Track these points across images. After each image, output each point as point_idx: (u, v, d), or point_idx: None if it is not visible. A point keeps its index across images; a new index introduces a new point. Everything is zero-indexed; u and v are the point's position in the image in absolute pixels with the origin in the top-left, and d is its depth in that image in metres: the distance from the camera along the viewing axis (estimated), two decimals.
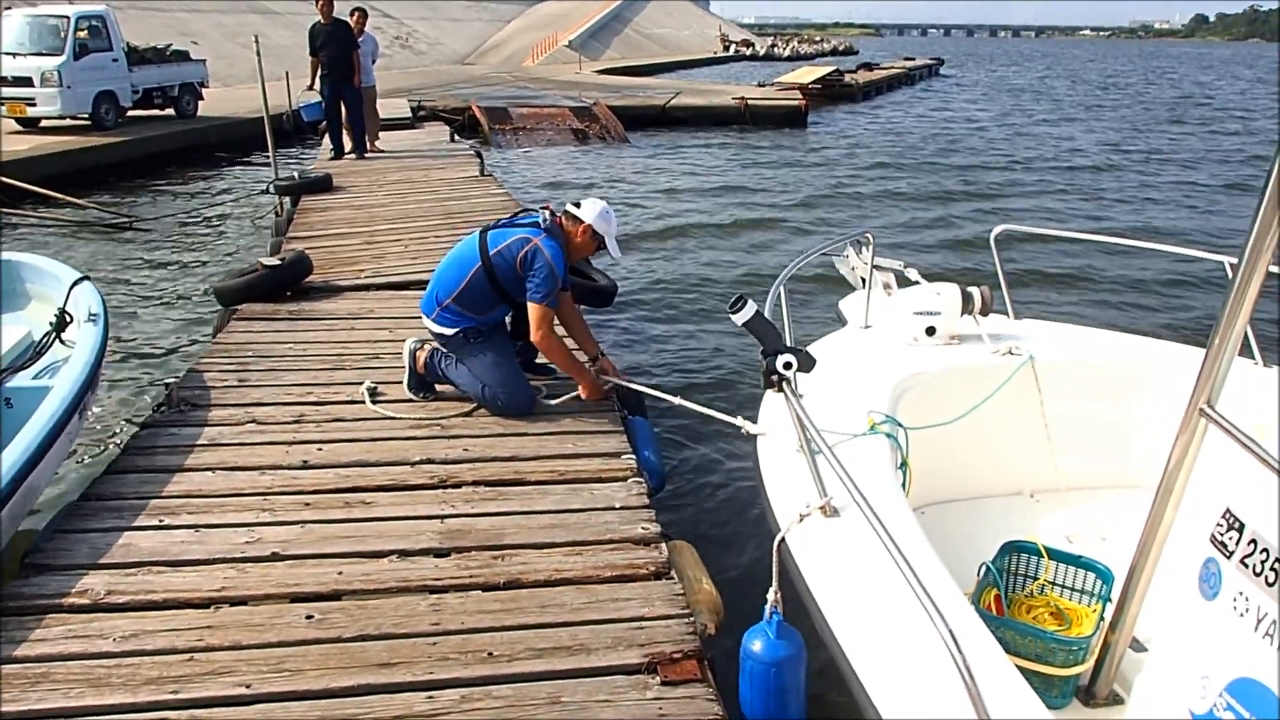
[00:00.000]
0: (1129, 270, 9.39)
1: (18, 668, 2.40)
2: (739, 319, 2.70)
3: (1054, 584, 2.87)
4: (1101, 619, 2.62)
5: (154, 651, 2.47)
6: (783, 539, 2.36)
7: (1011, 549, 2.89)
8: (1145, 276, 9.23)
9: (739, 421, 3.22)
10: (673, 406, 3.96)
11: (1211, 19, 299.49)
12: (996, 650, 1.92)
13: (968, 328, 3.76)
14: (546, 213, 4.09)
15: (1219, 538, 2.41)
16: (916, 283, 4.19)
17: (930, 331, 3.70)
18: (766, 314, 3.00)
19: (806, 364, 2.68)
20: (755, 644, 2.24)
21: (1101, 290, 8.89)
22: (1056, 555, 2.86)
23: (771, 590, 2.24)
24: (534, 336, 3.96)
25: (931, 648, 1.78)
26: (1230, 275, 3.45)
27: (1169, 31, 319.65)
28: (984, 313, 3.77)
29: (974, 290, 3.77)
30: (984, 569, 2.79)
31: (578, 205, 4.09)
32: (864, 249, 4.23)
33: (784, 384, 2.65)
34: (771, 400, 3.08)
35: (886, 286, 4.22)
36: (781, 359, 2.64)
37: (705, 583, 2.82)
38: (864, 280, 4.19)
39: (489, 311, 4.07)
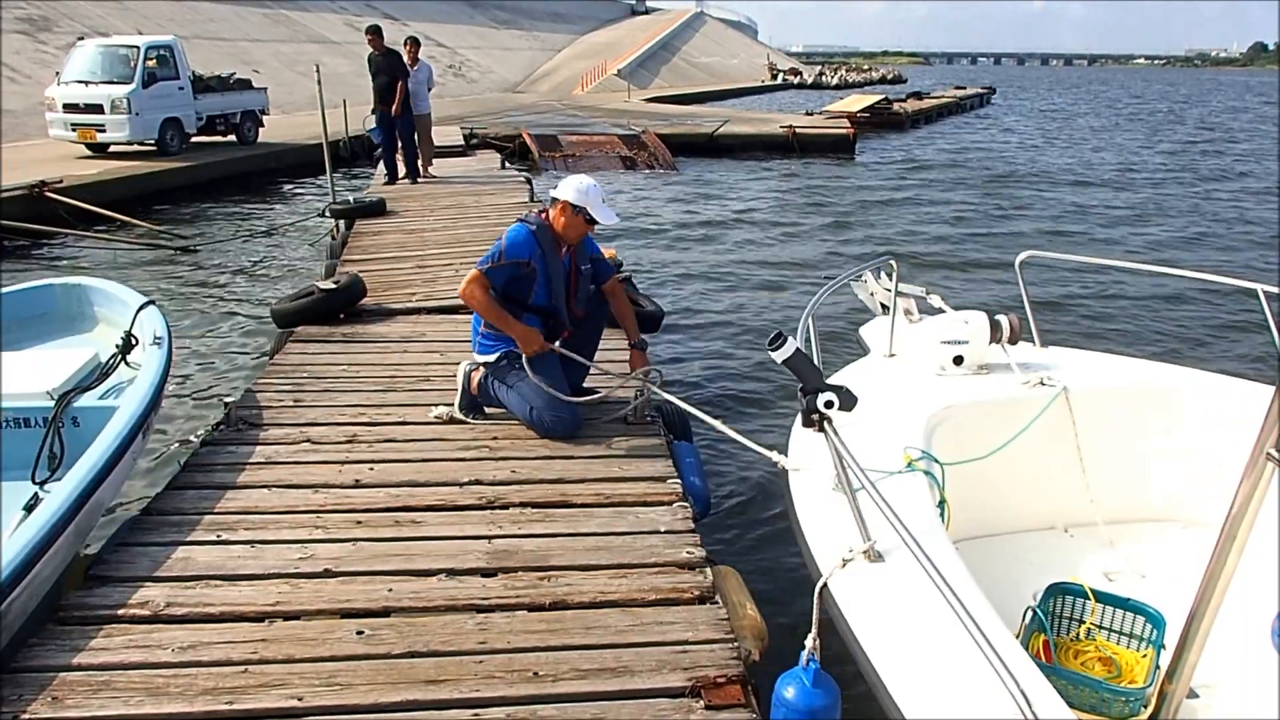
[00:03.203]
0: (1155, 296, 9.26)
1: (81, 675, 2.47)
2: (779, 356, 2.62)
3: (1101, 627, 2.79)
4: (1157, 667, 2.54)
5: (210, 663, 2.53)
6: (824, 584, 2.30)
7: (1057, 591, 2.81)
8: (1172, 303, 9.09)
9: (773, 456, 3.15)
10: (715, 431, 3.95)
11: (1271, 47, 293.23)
12: (1058, 701, 1.86)
13: (995, 356, 3.70)
14: (536, 212, 4.24)
15: None
16: (940, 309, 4.13)
17: (958, 361, 3.64)
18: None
19: (848, 403, 2.60)
20: (789, 691, 2.17)
21: (1126, 316, 8.77)
22: (1104, 598, 2.79)
23: (810, 637, 2.18)
24: (460, 291, 4.10)
25: (989, 698, 1.73)
26: (1263, 303, 3.39)
27: (1227, 60, 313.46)
28: (1012, 341, 3.71)
29: (1002, 318, 3.71)
30: (1030, 613, 2.72)
31: (555, 188, 4.18)
32: (882, 275, 4.18)
33: (825, 423, 2.58)
34: (802, 433, 3.01)
35: (908, 313, 4.15)
36: (823, 397, 2.56)
37: (749, 608, 2.81)
38: (884, 306, 4.13)
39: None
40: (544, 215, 4.18)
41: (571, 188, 4.09)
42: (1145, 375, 3.78)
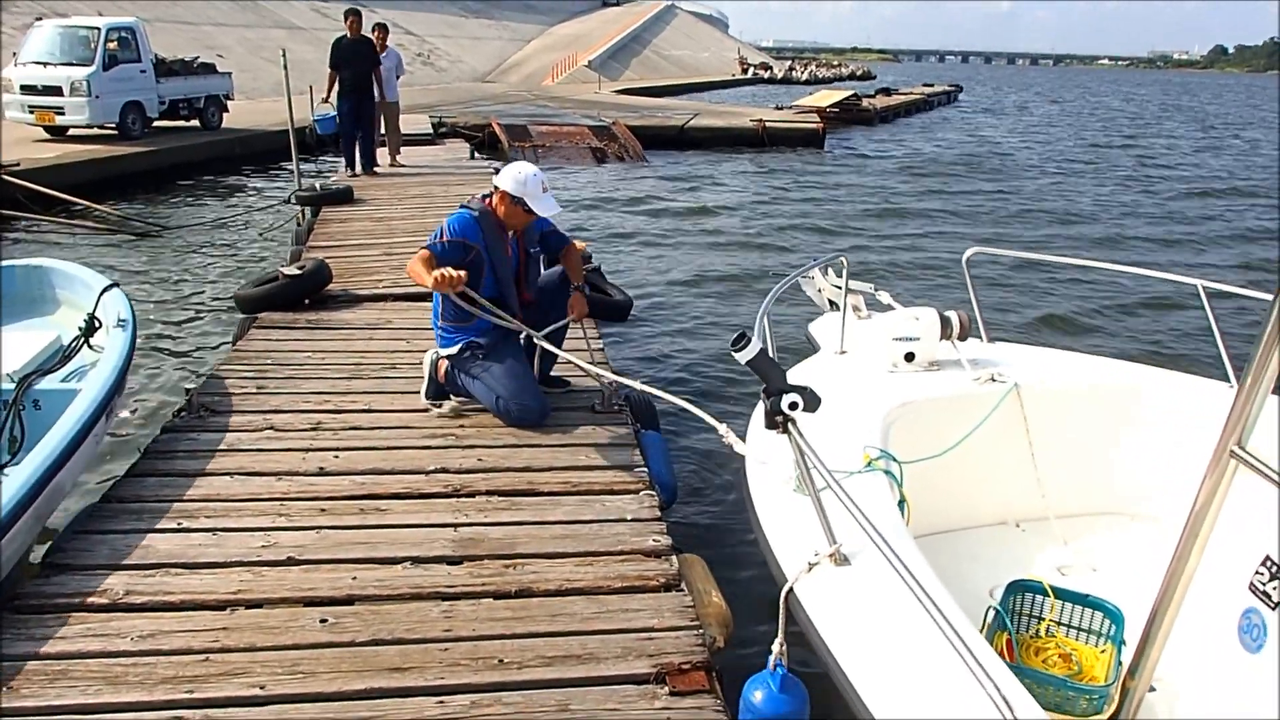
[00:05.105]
0: (1099, 292, 9.41)
1: (38, 664, 2.43)
2: (743, 357, 2.54)
3: (1060, 624, 2.80)
4: (1119, 663, 2.56)
5: (170, 651, 2.50)
6: (790, 589, 2.27)
7: (1017, 589, 2.83)
8: (1117, 299, 9.22)
9: (722, 430, 3.02)
10: (680, 414, 3.91)
11: (1231, 50, 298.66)
12: (1030, 701, 1.85)
13: (946, 353, 3.72)
14: (480, 196, 4.19)
15: (1261, 587, 2.34)
16: (889, 305, 4.14)
17: (910, 357, 3.66)
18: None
19: (812, 404, 2.51)
20: (757, 695, 2.13)
21: (1071, 312, 8.88)
22: (1063, 595, 2.80)
23: (777, 642, 2.14)
24: (408, 267, 3.99)
25: (963, 700, 1.73)
26: (1203, 297, 3.45)
27: (1188, 62, 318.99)
28: (962, 337, 3.73)
29: (952, 314, 3.74)
30: (991, 611, 2.74)
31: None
32: (830, 271, 4.18)
33: (789, 425, 2.49)
34: (759, 433, 2.97)
35: (856, 309, 4.16)
36: (787, 399, 2.47)
37: (715, 596, 2.83)
38: (832, 303, 4.13)
39: (472, 318, 4.07)
40: (487, 201, 4.13)
41: (510, 177, 4.02)
42: (1093, 370, 3.83)
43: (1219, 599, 2.46)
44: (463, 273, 3.78)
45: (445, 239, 3.99)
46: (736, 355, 2.56)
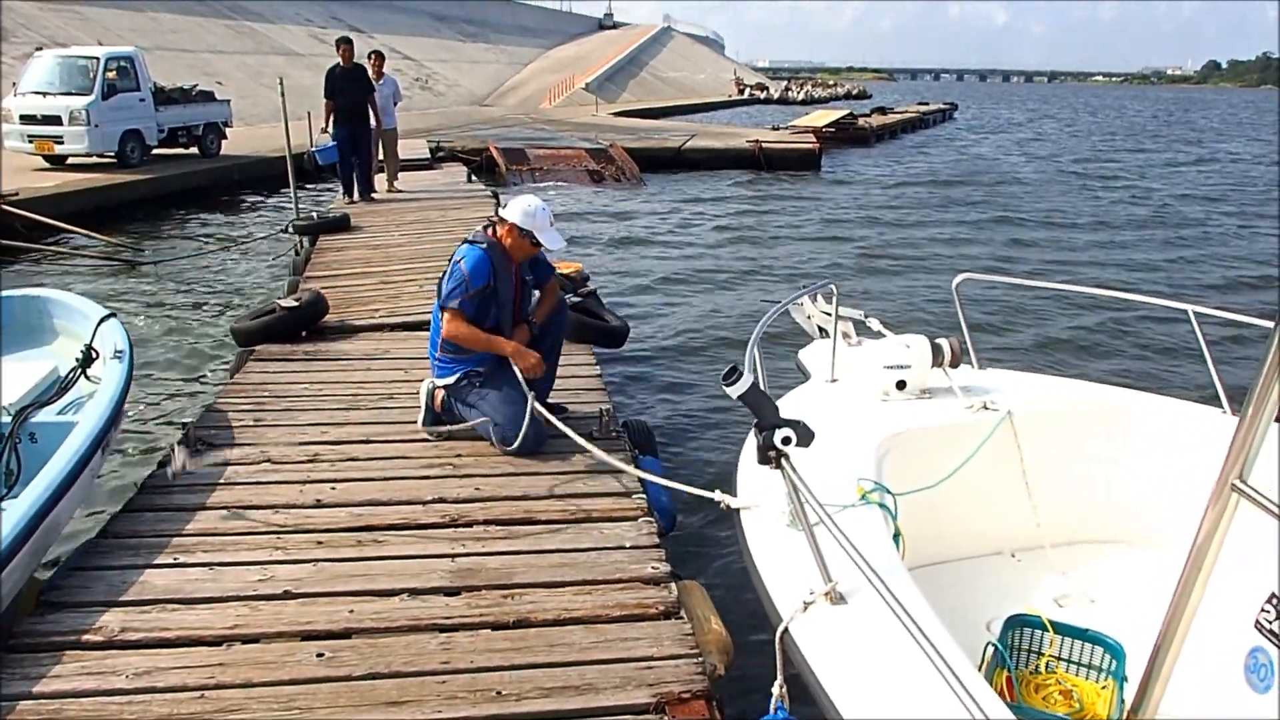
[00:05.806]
0: (1089, 315, 9.37)
1: (32, 704, 2.42)
2: (734, 392, 2.49)
3: (1060, 659, 2.77)
4: (1121, 700, 2.53)
5: (166, 689, 2.49)
6: (785, 629, 2.23)
7: (1016, 623, 2.80)
8: (1107, 323, 9.17)
9: (716, 496, 3.02)
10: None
11: (1224, 65, 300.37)
12: None
13: (938, 380, 3.69)
14: (481, 227, 4.19)
15: (1268, 625, 2.28)
16: (879, 332, 4.12)
17: (901, 385, 3.63)
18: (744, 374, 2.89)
19: (805, 438, 2.47)
20: None
21: (1060, 336, 8.84)
22: (1062, 629, 2.77)
23: (776, 684, 2.11)
24: (445, 333, 4.06)
25: None
26: (1194, 324, 3.43)
27: (1182, 78, 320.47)
28: (954, 364, 3.70)
29: (943, 341, 3.71)
30: (990, 648, 2.71)
31: (504, 206, 4.13)
32: (819, 298, 4.17)
33: (783, 460, 2.44)
34: (750, 467, 2.94)
35: (846, 336, 4.13)
36: (780, 434, 2.42)
37: (715, 623, 2.81)
38: (821, 330, 4.11)
39: (471, 350, 4.12)
40: (490, 232, 4.14)
41: (519, 210, 4.05)
42: (1086, 397, 3.79)
43: (1223, 635, 2.41)
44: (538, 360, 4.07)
45: (471, 293, 4.00)
46: (728, 390, 2.52)
